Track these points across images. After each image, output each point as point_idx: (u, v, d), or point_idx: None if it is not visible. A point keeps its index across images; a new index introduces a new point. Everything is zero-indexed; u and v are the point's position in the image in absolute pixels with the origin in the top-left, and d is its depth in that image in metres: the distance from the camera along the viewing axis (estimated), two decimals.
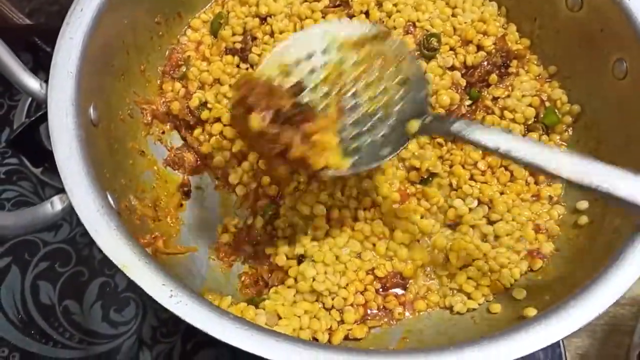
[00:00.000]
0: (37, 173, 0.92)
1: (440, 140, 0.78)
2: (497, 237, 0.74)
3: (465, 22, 0.81)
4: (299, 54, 0.68)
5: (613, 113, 0.73)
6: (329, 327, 0.67)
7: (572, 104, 0.79)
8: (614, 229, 0.65)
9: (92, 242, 0.83)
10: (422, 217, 0.75)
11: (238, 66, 0.82)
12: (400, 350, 0.57)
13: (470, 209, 0.75)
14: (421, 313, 0.72)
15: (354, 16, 0.81)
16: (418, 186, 0.77)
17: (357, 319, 0.70)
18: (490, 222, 0.75)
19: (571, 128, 0.79)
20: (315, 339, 0.66)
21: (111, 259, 0.54)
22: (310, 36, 0.69)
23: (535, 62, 0.82)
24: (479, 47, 0.80)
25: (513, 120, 0.79)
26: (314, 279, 0.68)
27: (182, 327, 0.81)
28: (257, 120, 0.60)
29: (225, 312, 0.52)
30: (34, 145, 0.88)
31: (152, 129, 0.79)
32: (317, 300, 0.69)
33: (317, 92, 0.67)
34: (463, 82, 0.79)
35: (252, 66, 0.81)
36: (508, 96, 0.80)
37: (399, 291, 0.73)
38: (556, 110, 0.79)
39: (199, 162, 0.81)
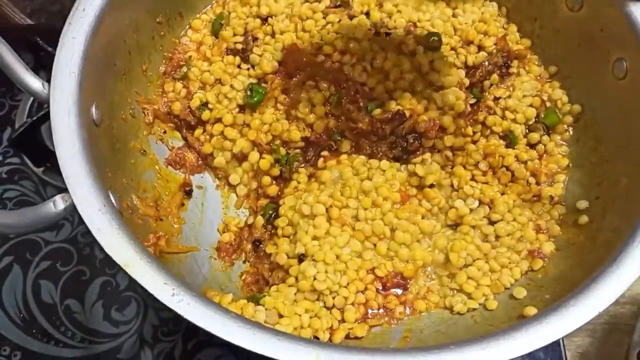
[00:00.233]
0: (38, 172, 0.92)
1: (448, 153, 0.78)
2: (497, 237, 0.74)
3: (465, 23, 0.81)
4: None
5: (613, 112, 0.73)
6: (330, 326, 0.67)
7: (573, 104, 0.79)
8: (613, 228, 0.66)
9: (93, 242, 0.84)
10: (423, 218, 0.75)
11: (239, 66, 0.82)
12: (401, 349, 0.57)
13: (471, 210, 0.75)
14: (422, 313, 0.73)
15: (354, 16, 0.81)
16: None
17: (358, 318, 0.70)
18: (491, 223, 0.75)
19: (571, 128, 0.79)
20: (317, 338, 0.66)
21: (113, 257, 0.54)
22: None
23: (536, 63, 0.83)
24: (480, 48, 0.80)
25: (514, 121, 0.80)
26: (314, 278, 0.69)
27: (183, 326, 0.81)
28: None
29: (227, 310, 0.52)
30: (35, 144, 0.89)
31: (153, 128, 0.79)
32: (318, 299, 0.69)
33: None
34: (466, 82, 0.79)
35: (252, 67, 0.81)
36: (509, 96, 0.80)
37: (400, 291, 0.73)
38: (557, 110, 0.79)
39: (200, 161, 0.82)
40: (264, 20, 0.83)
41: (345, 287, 0.70)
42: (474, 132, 0.80)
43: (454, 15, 0.83)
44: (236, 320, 0.51)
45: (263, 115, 0.79)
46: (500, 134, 0.80)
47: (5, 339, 0.81)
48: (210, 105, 0.80)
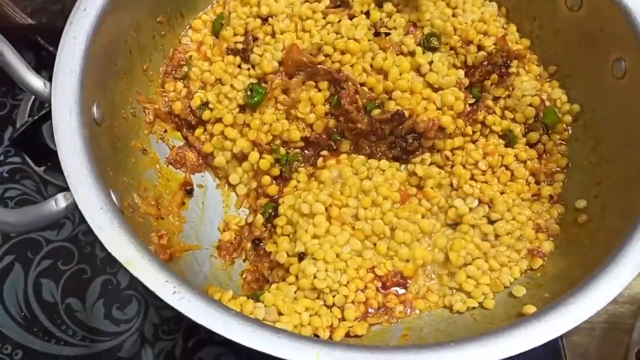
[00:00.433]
0: (39, 172, 0.92)
1: (448, 153, 0.79)
2: (497, 236, 0.74)
3: (465, 23, 0.81)
4: None
5: (612, 112, 0.73)
6: (330, 324, 0.68)
7: (572, 103, 0.79)
8: (612, 227, 0.66)
9: (94, 240, 0.85)
10: (422, 217, 0.75)
11: (239, 66, 0.82)
12: (401, 347, 0.57)
13: (470, 209, 0.75)
14: (421, 312, 0.73)
15: (354, 16, 0.81)
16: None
17: (358, 317, 0.70)
18: (491, 222, 0.75)
19: (570, 127, 0.80)
20: (317, 336, 0.66)
21: (114, 255, 0.54)
22: None
23: (536, 62, 0.83)
24: (480, 47, 0.80)
25: (514, 120, 0.80)
26: (315, 277, 0.69)
27: (184, 324, 0.82)
28: None
29: (227, 308, 0.52)
30: (36, 144, 0.89)
31: (154, 127, 0.79)
32: (318, 298, 0.69)
33: None
34: (466, 82, 0.79)
35: (253, 67, 0.81)
36: (508, 96, 0.80)
37: (400, 290, 0.73)
38: (556, 110, 0.79)
39: (200, 161, 0.82)
40: (264, 20, 0.83)
41: (346, 285, 0.70)
42: (474, 132, 0.80)
43: (453, 15, 0.82)
44: (236, 318, 0.52)
45: (263, 115, 0.79)
46: (500, 133, 0.80)
47: (6, 338, 0.82)
48: (210, 105, 0.80)
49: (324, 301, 0.69)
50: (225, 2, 0.86)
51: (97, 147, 0.62)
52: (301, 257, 0.71)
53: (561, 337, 0.80)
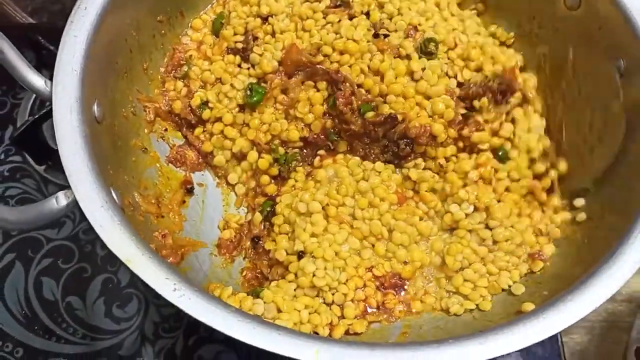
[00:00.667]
0: (40, 170, 0.92)
1: (442, 162, 0.78)
2: (495, 242, 0.74)
3: (469, 41, 0.81)
4: None
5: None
6: (329, 321, 0.68)
7: None
8: (611, 225, 0.66)
9: (95, 239, 0.85)
10: (420, 220, 0.76)
11: (239, 66, 0.82)
12: (400, 344, 0.58)
13: (466, 214, 0.75)
14: (419, 313, 0.73)
15: (354, 17, 0.82)
16: None
17: (357, 314, 0.70)
18: (489, 227, 0.75)
19: None
20: (316, 333, 0.66)
21: (115, 253, 0.55)
22: None
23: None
24: (478, 69, 0.80)
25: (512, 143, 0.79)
26: (314, 275, 0.69)
27: (184, 322, 0.82)
28: None
29: (227, 305, 0.53)
30: (37, 143, 0.89)
31: (154, 126, 0.80)
32: (317, 296, 0.70)
33: None
34: (457, 91, 0.78)
35: (253, 66, 0.81)
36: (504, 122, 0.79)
37: (398, 292, 0.74)
38: None
39: (200, 159, 0.82)
40: (264, 19, 0.83)
41: (345, 283, 0.70)
42: (465, 146, 0.79)
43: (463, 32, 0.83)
44: (237, 315, 0.52)
45: (262, 115, 0.79)
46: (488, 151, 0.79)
47: (7, 336, 0.82)
48: (210, 104, 0.80)
49: (324, 299, 0.69)
50: (226, 2, 0.86)
51: (97, 145, 0.62)
52: (300, 255, 0.71)
53: (560, 335, 0.81)
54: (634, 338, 0.79)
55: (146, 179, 0.75)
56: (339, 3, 0.83)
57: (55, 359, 0.81)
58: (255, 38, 0.82)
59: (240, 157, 0.81)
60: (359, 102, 0.77)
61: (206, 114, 0.80)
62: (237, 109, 0.80)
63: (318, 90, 0.79)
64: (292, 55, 0.78)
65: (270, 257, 0.75)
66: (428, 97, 0.77)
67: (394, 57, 0.78)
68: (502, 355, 0.52)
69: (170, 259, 0.69)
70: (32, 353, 0.81)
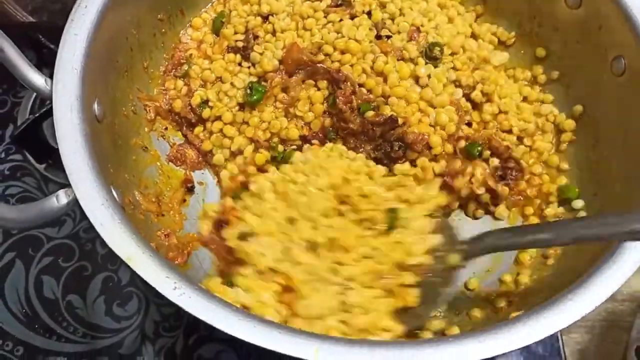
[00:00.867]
0: (40, 169, 0.92)
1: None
2: None
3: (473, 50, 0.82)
4: None
5: (611, 110, 0.74)
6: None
7: (572, 102, 0.79)
8: None
9: (95, 238, 0.85)
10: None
11: (240, 64, 0.82)
12: (400, 342, 0.57)
13: None
14: None
15: (356, 16, 0.82)
16: None
17: None
18: None
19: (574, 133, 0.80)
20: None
21: (115, 251, 0.55)
22: None
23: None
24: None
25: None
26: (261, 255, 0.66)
27: (185, 321, 0.82)
28: None
29: (228, 303, 0.53)
30: (37, 141, 0.89)
31: (155, 125, 0.80)
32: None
33: None
34: (466, 106, 0.79)
35: (253, 65, 0.81)
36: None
37: None
38: (571, 187, 0.78)
39: (200, 158, 0.82)
40: (265, 18, 0.83)
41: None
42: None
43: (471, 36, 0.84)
44: (237, 314, 0.52)
45: (262, 113, 0.79)
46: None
47: (7, 334, 0.82)
48: (210, 103, 0.80)
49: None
50: (226, 0, 0.86)
51: (98, 144, 0.62)
52: (243, 237, 0.69)
53: (560, 334, 0.81)
54: (634, 337, 0.79)
55: (146, 177, 0.75)
56: (340, 2, 0.83)
57: (56, 357, 0.81)
58: (256, 37, 0.82)
59: (238, 154, 0.81)
60: (359, 101, 0.77)
61: (206, 112, 0.80)
62: (237, 108, 0.80)
63: (319, 89, 0.79)
64: (293, 54, 0.78)
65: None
66: (432, 105, 0.77)
67: (397, 60, 0.78)
68: (502, 354, 0.52)
69: (178, 260, 0.69)
70: (32, 352, 0.81)
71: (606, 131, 0.75)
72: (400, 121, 0.76)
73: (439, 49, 0.79)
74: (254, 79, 0.80)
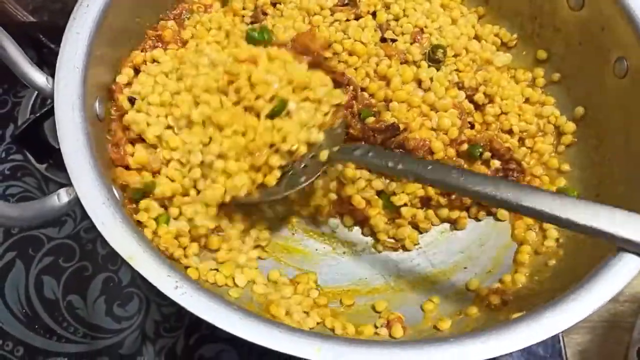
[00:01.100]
0: (41, 169, 0.92)
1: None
2: None
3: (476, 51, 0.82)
4: None
5: (614, 111, 0.73)
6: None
7: (574, 105, 0.79)
8: None
9: (96, 238, 0.85)
10: None
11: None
12: (402, 342, 0.57)
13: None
14: None
15: (361, 17, 0.81)
16: None
17: None
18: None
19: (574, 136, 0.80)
20: None
21: (117, 250, 0.54)
22: None
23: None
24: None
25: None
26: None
27: (186, 321, 0.82)
28: None
29: (230, 303, 0.53)
30: (38, 141, 0.89)
31: None
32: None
33: None
34: (468, 106, 0.78)
35: None
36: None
37: None
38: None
39: None
40: (274, 5, 0.83)
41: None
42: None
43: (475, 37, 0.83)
44: (238, 313, 0.52)
45: None
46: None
47: (7, 335, 0.82)
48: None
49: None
50: None
51: (99, 143, 0.62)
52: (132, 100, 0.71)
53: (562, 335, 0.81)
54: (636, 338, 0.79)
55: None
56: (346, 2, 0.83)
57: (56, 358, 0.80)
58: (265, 13, 0.82)
59: None
60: (360, 107, 0.77)
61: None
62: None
63: None
64: (306, 38, 0.78)
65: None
66: (434, 109, 0.77)
67: (401, 63, 0.78)
68: (503, 355, 0.52)
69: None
70: (32, 352, 0.81)
71: (608, 133, 0.75)
72: (401, 127, 0.75)
73: (442, 51, 0.79)
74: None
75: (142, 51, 0.75)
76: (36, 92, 0.95)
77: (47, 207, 0.57)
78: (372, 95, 0.78)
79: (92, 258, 0.86)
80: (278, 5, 0.82)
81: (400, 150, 0.76)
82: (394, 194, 0.76)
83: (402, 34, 0.81)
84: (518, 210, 0.58)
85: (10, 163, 0.93)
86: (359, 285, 0.76)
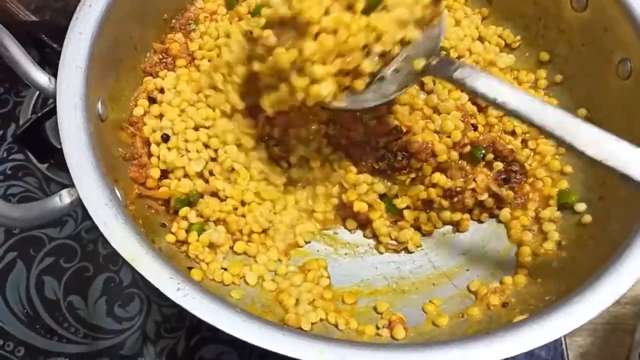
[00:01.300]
0: (42, 169, 0.92)
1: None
2: None
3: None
4: None
5: (617, 113, 0.73)
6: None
7: (577, 105, 0.79)
8: (617, 227, 0.65)
9: (97, 238, 0.85)
10: None
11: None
12: (406, 345, 0.57)
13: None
14: None
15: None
16: None
17: None
18: None
19: None
20: None
21: (119, 251, 0.54)
22: None
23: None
24: None
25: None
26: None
27: (187, 323, 0.82)
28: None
29: (232, 305, 0.53)
30: (39, 141, 0.89)
31: None
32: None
33: None
34: (470, 108, 0.78)
35: None
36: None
37: None
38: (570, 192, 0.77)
39: None
40: None
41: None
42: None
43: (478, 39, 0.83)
44: (241, 315, 0.52)
45: None
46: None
47: (8, 335, 0.82)
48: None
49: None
50: None
51: (101, 143, 0.62)
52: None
53: (564, 338, 0.81)
54: (638, 341, 0.79)
55: None
56: None
57: (57, 358, 0.80)
58: None
59: None
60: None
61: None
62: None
63: None
64: None
65: None
66: (437, 111, 0.77)
67: None
68: (507, 358, 0.52)
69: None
70: (33, 352, 0.81)
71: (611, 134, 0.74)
72: (404, 129, 0.75)
73: (445, 52, 0.78)
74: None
75: (150, 74, 0.77)
76: (38, 92, 0.95)
77: (49, 208, 0.56)
78: None
79: (93, 258, 0.86)
80: None
81: (403, 152, 0.75)
82: (396, 196, 0.76)
83: None
84: None
85: (11, 163, 0.93)
86: (361, 287, 0.75)
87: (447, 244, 0.79)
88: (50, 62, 0.94)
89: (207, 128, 0.74)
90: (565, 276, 0.68)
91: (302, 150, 0.76)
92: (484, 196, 0.76)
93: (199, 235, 0.70)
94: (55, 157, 0.92)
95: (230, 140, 0.74)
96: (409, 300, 0.74)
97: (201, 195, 0.73)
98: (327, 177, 0.77)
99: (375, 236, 0.78)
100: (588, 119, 0.78)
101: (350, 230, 0.79)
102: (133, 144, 0.72)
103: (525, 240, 0.76)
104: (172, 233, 0.69)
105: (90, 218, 0.56)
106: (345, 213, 0.78)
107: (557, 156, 0.79)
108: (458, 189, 0.76)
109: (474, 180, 0.76)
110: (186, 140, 0.72)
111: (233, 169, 0.74)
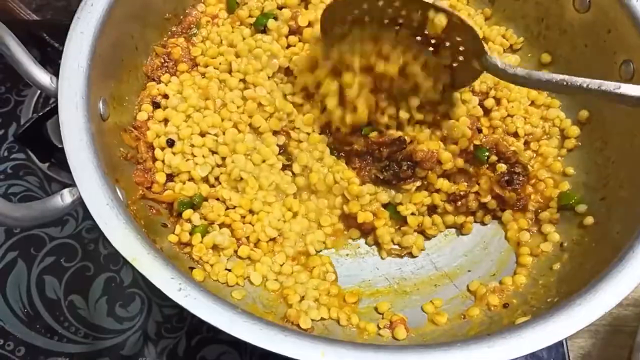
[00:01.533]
0: (43, 168, 0.92)
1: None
2: None
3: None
4: None
5: (619, 114, 0.73)
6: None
7: (579, 107, 0.79)
8: (619, 229, 0.66)
9: (98, 238, 0.85)
10: None
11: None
12: (408, 346, 0.57)
13: None
14: None
15: None
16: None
17: None
18: None
19: (578, 139, 0.79)
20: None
21: (120, 252, 0.54)
22: None
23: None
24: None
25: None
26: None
27: (187, 323, 0.81)
28: None
29: (233, 305, 0.52)
30: (41, 140, 0.89)
31: None
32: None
33: None
34: (479, 111, 0.78)
35: None
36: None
37: None
38: (569, 192, 0.77)
39: None
40: (280, 8, 0.82)
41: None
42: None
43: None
44: (242, 316, 0.52)
45: None
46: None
47: (9, 334, 0.81)
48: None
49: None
50: None
51: (103, 142, 0.62)
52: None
53: (565, 339, 0.81)
54: (639, 343, 0.79)
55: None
56: None
57: (57, 358, 0.80)
58: (275, 18, 0.80)
59: None
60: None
61: None
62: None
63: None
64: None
65: None
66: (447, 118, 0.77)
67: None
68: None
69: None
70: (34, 352, 0.81)
71: (613, 136, 0.74)
72: (407, 139, 0.75)
73: None
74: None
75: (153, 79, 0.77)
76: (39, 91, 0.95)
77: (50, 207, 0.56)
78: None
79: (94, 258, 0.86)
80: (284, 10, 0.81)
81: (408, 162, 0.75)
82: (401, 204, 0.76)
83: None
84: None
85: (12, 162, 0.93)
86: (362, 287, 0.75)
87: (448, 245, 0.79)
88: (51, 61, 0.94)
89: (215, 135, 0.74)
90: (567, 278, 0.68)
91: (305, 159, 0.76)
92: (488, 198, 0.76)
93: (202, 237, 0.70)
94: (56, 156, 0.92)
95: (240, 150, 0.74)
96: (411, 301, 0.74)
97: (205, 199, 0.72)
98: (329, 189, 0.76)
99: (377, 244, 0.78)
100: (590, 120, 0.78)
101: (353, 240, 0.79)
102: (137, 147, 0.72)
103: (523, 240, 0.76)
104: (175, 234, 0.69)
105: (91, 217, 0.56)
106: (348, 223, 0.78)
107: (559, 158, 0.79)
108: (462, 193, 0.76)
109: (477, 183, 0.76)
110: (192, 145, 0.73)
111: (241, 178, 0.74)
